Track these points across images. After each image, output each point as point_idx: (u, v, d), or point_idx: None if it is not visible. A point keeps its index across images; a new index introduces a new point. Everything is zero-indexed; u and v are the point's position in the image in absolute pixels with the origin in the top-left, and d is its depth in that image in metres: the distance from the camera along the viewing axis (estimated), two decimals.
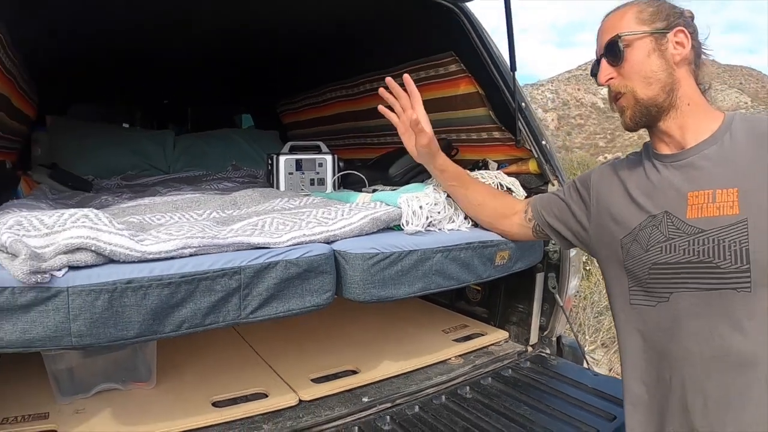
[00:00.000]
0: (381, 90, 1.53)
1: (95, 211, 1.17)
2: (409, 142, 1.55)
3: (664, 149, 1.14)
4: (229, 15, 2.24)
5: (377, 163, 2.33)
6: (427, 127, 1.50)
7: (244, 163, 3.33)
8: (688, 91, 1.10)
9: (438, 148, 1.54)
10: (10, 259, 1.04)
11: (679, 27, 1.10)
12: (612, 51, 1.13)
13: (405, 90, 1.52)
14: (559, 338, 2.00)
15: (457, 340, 1.98)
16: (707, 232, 1.04)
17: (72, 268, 1.07)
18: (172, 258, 1.13)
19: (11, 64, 1.99)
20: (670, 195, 1.10)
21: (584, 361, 1.92)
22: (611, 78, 1.15)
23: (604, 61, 1.15)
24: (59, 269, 1.05)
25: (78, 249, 1.07)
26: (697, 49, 1.13)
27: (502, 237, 1.60)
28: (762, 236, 0.99)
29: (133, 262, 1.11)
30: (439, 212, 1.54)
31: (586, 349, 3.52)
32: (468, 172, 1.66)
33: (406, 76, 1.51)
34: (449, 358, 1.84)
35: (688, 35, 1.10)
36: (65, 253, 1.06)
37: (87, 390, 1.56)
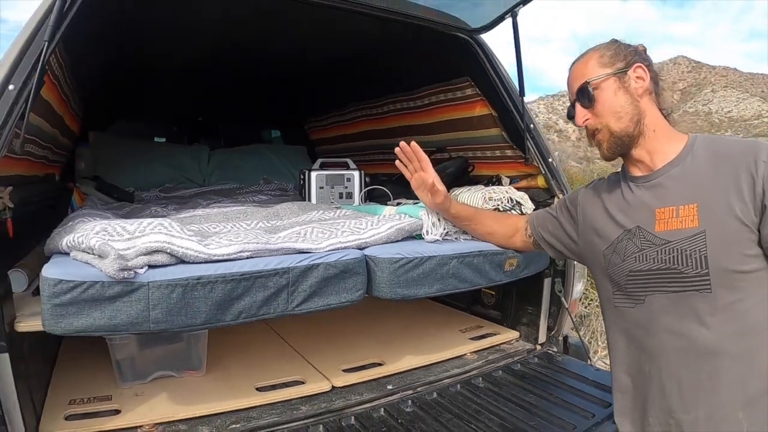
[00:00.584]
0: (396, 150, 1.73)
1: (168, 220, 1.40)
2: (425, 197, 1.71)
3: (637, 172, 1.30)
4: (263, 41, 2.47)
5: (401, 178, 2.54)
6: (440, 186, 1.67)
7: (275, 177, 3.56)
8: (653, 119, 1.26)
9: (450, 200, 1.71)
10: (99, 259, 1.27)
11: (637, 63, 1.25)
12: (583, 96, 1.28)
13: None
14: (565, 338, 2.19)
15: (472, 339, 2.19)
16: (672, 243, 1.19)
17: (151, 266, 1.30)
18: (232, 260, 1.36)
19: (68, 88, 2.23)
20: (642, 211, 1.26)
21: (588, 359, 2.10)
22: (587, 119, 1.29)
23: (578, 105, 1.30)
24: (141, 267, 1.28)
25: (156, 251, 1.31)
26: (654, 78, 1.27)
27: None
28: (718, 245, 1.13)
29: (200, 262, 1.34)
30: (449, 222, 1.75)
31: (598, 353, 3.69)
32: (476, 207, 1.89)
33: (414, 144, 1.70)
34: (465, 354, 2.05)
35: (645, 69, 1.26)
36: (146, 254, 1.30)
37: (145, 376, 1.79)
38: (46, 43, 1.34)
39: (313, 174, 2.49)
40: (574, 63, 1.33)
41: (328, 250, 1.49)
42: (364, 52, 2.68)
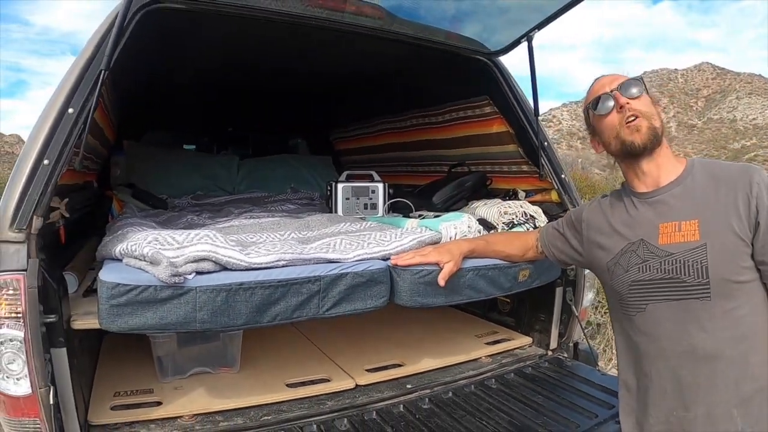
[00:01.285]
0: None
1: (213, 231, 1.56)
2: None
3: (641, 188, 1.39)
4: (294, 59, 2.62)
5: (422, 191, 2.69)
6: (446, 257, 1.67)
7: (301, 186, 3.71)
8: (664, 142, 1.37)
9: (462, 255, 1.73)
10: (151, 265, 1.44)
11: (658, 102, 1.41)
12: (631, 86, 1.36)
13: None
14: (576, 344, 2.30)
15: (487, 344, 2.32)
16: (675, 255, 1.29)
17: (198, 273, 1.46)
18: (270, 268, 1.51)
19: (109, 102, 2.41)
20: (646, 226, 1.36)
21: (596, 364, 2.22)
22: (629, 103, 1.35)
23: (617, 93, 1.36)
24: (190, 274, 1.44)
25: (203, 259, 1.47)
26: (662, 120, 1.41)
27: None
28: (717, 257, 1.24)
29: (241, 270, 1.50)
30: (465, 235, 1.88)
31: (612, 360, 3.78)
32: (487, 233, 1.98)
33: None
34: (480, 357, 2.19)
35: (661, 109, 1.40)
36: (194, 261, 1.46)
37: (184, 372, 1.96)
38: (103, 71, 1.51)
39: (340, 186, 2.64)
40: (608, 74, 1.45)
41: (356, 260, 1.64)
42: (391, 71, 2.83)
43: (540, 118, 2.32)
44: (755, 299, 1.26)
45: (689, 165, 1.36)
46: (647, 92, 1.38)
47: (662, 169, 1.36)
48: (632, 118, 1.34)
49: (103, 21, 1.60)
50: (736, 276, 1.24)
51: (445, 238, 1.82)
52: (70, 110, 1.48)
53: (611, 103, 1.37)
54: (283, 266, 1.53)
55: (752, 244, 1.23)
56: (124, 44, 1.56)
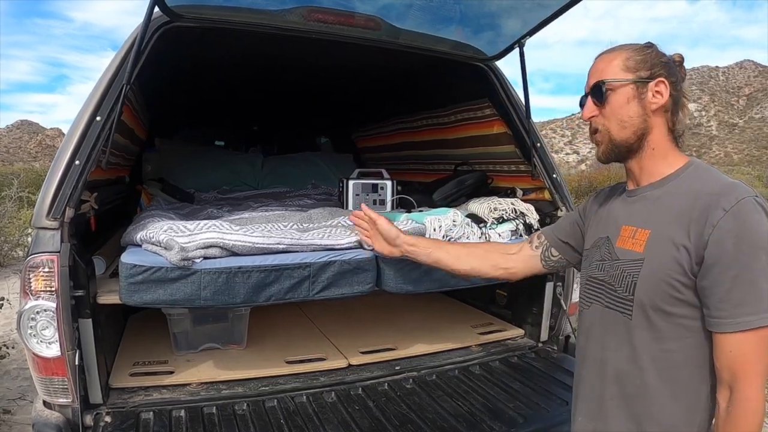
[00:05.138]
0: (353, 220, 1.85)
1: (220, 221, 1.77)
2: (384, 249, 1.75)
3: (630, 185, 1.29)
4: (315, 65, 2.82)
5: (426, 188, 2.85)
6: (388, 230, 1.70)
7: (323, 182, 3.90)
8: (658, 138, 1.20)
9: (419, 251, 1.68)
10: (165, 250, 1.65)
11: (661, 78, 1.18)
12: (597, 93, 1.22)
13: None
14: (567, 337, 2.41)
15: (480, 334, 2.46)
16: (620, 261, 1.20)
17: (204, 257, 1.67)
18: (269, 252, 1.72)
19: (138, 105, 2.64)
20: (613, 225, 1.27)
21: None
22: (593, 116, 1.25)
23: (589, 99, 1.25)
24: (198, 258, 1.65)
25: (211, 246, 1.68)
26: (676, 97, 1.20)
27: (506, 279, 1.68)
28: (648, 276, 1.12)
29: (245, 254, 1.69)
30: (451, 229, 2.03)
31: None
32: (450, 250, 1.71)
33: (363, 207, 1.79)
34: (470, 346, 2.33)
35: (668, 85, 1.18)
36: (202, 248, 1.67)
37: (196, 347, 2.19)
38: (125, 85, 1.73)
39: (351, 182, 2.81)
40: (601, 54, 1.27)
41: (346, 248, 1.83)
42: (401, 76, 3.01)
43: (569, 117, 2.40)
44: (686, 340, 1.11)
45: (681, 169, 1.19)
46: (619, 89, 1.20)
47: (644, 170, 1.23)
48: (594, 131, 1.26)
49: (128, 37, 1.82)
50: (664, 305, 1.11)
51: (428, 230, 1.97)
52: (98, 118, 1.72)
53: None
54: (282, 249, 1.74)
55: (694, 276, 1.08)
56: (147, 57, 1.77)
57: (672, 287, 1.09)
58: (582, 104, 1.29)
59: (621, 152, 1.23)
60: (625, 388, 1.19)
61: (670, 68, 1.21)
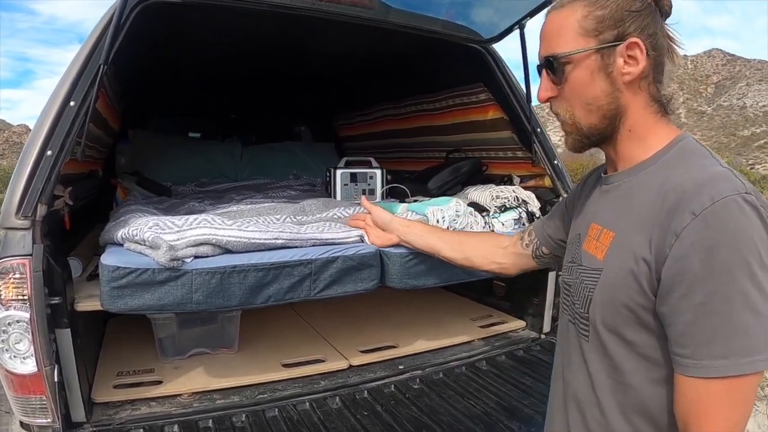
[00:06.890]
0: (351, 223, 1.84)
1: (212, 215, 1.62)
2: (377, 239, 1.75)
3: (609, 169, 1.03)
4: (295, 46, 2.66)
5: (419, 177, 2.73)
6: (382, 214, 1.74)
7: (303, 173, 3.76)
8: (634, 116, 0.93)
9: (392, 221, 1.74)
10: (151, 249, 1.50)
11: (633, 38, 0.89)
12: (551, 67, 0.95)
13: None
14: None
15: (481, 327, 2.37)
16: (582, 267, 0.98)
17: (195, 256, 1.52)
18: (266, 248, 1.57)
19: (113, 94, 2.46)
20: (584, 220, 1.05)
21: None
22: (551, 96, 0.98)
23: (544, 73, 0.97)
24: (189, 257, 1.50)
25: (202, 243, 1.53)
26: (657, 58, 0.92)
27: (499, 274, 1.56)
28: (603, 292, 0.90)
29: (241, 250, 1.55)
30: (455, 220, 1.92)
31: None
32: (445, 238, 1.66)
33: (363, 199, 1.87)
34: (473, 340, 2.24)
35: (643, 47, 0.89)
36: (193, 246, 1.52)
37: (184, 352, 2.03)
38: (102, 65, 1.56)
39: (338, 172, 2.68)
40: (552, 9, 0.97)
41: (348, 241, 1.71)
42: (388, 59, 2.86)
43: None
44: (651, 374, 0.86)
45: (662, 152, 0.91)
46: (578, 62, 0.92)
47: (620, 155, 0.97)
48: (556, 114, 1.00)
49: (104, 15, 1.65)
50: (623, 329, 0.87)
51: (431, 222, 1.86)
52: (72, 103, 1.53)
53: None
54: (280, 244, 1.60)
55: (655, 297, 0.82)
56: (125, 37, 1.60)
57: (628, 309, 0.85)
58: (539, 74, 1.00)
59: (594, 141, 0.97)
60: (586, 419, 0.97)
61: (645, 16, 0.90)
